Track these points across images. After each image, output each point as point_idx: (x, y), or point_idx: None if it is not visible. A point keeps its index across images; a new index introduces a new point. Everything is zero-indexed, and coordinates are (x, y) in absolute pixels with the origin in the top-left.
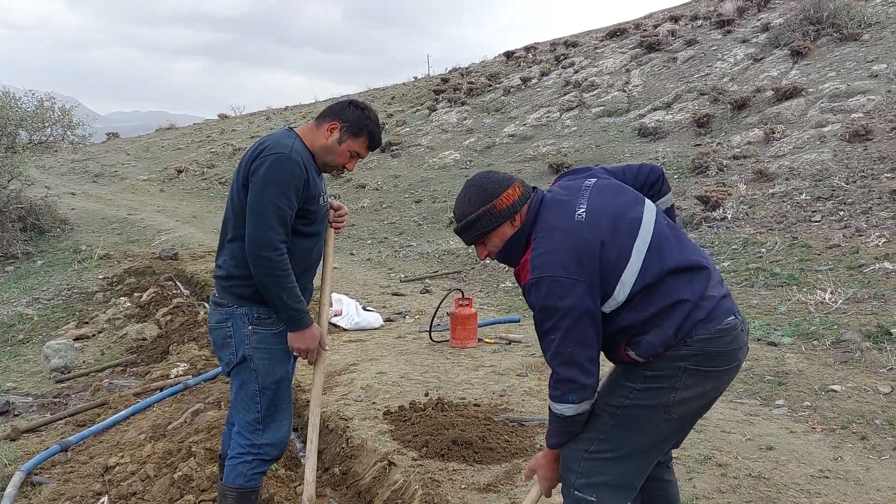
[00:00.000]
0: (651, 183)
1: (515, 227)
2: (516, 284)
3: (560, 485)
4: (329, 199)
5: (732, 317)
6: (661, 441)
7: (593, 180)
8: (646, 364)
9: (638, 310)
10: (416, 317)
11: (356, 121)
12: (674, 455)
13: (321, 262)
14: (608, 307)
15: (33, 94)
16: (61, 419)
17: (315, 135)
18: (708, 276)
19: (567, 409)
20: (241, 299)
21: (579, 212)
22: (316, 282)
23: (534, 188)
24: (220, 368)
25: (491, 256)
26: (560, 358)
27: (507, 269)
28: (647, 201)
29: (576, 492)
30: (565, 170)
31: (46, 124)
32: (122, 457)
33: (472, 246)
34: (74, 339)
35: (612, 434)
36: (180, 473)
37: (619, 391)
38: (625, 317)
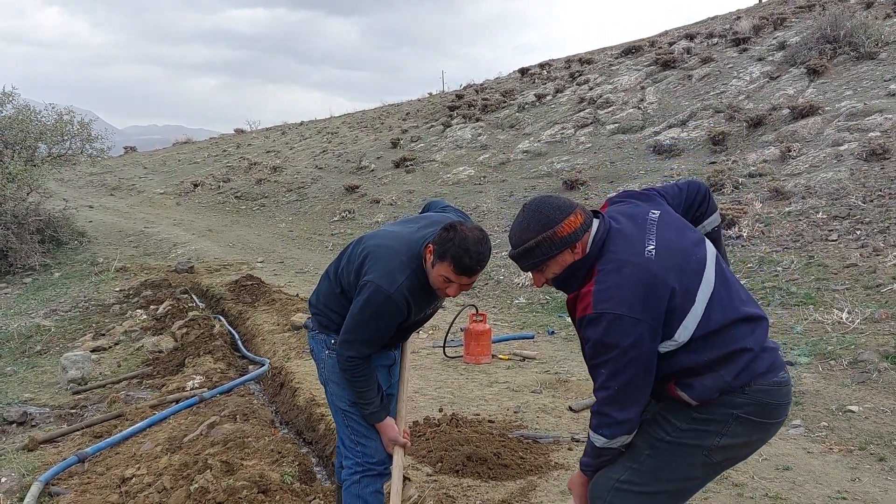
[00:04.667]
0: (700, 202)
1: (576, 255)
2: (530, 301)
3: None
4: None
5: (785, 372)
6: (694, 484)
7: (658, 212)
8: (697, 406)
9: (697, 353)
10: (430, 332)
11: (441, 243)
12: None
13: (402, 353)
14: (665, 347)
15: (53, 108)
16: (78, 430)
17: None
18: (766, 328)
19: (598, 440)
20: (322, 327)
21: (649, 248)
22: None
23: (595, 213)
24: (235, 381)
25: (548, 283)
26: (605, 392)
27: (520, 285)
28: (708, 243)
29: None
30: (614, 194)
31: (65, 138)
32: (139, 468)
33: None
34: (91, 351)
35: (645, 466)
36: (196, 486)
37: (662, 425)
38: (682, 358)
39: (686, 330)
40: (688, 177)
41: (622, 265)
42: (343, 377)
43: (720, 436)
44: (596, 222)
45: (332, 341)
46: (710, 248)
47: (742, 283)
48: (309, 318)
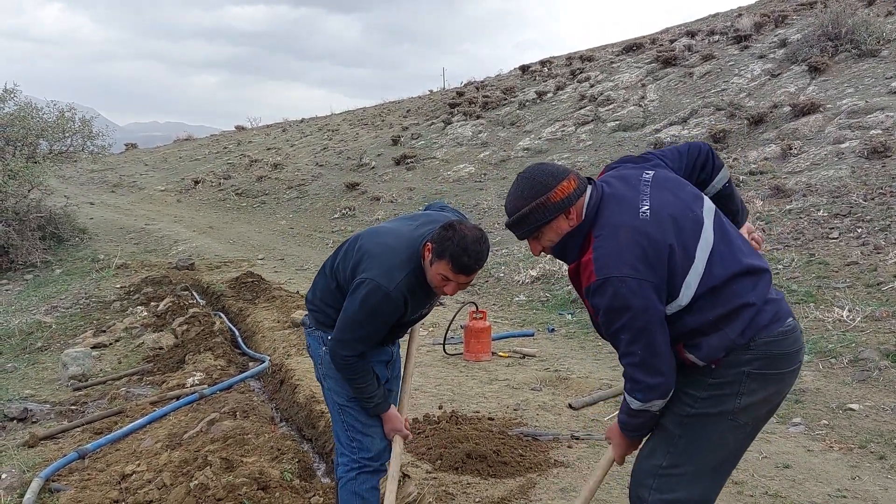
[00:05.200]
0: (702, 164)
1: (571, 222)
2: (530, 298)
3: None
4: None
5: (791, 318)
6: (731, 453)
7: (651, 173)
8: (708, 371)
9: (701, 312)
10: (430, 329)
11: (440, 241)
12: None
13: (408, 347)
14: (670, 309)
15: (54, 105)
16: (79, 427)
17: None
18: (769, 280)
19: (633, 403)
20: (319, 324)
21: (643, 209)
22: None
23: (589, 179)
24: (235, 378)
25: (546, 251)
26: (631, 359)
27: (520, 283)
28: (706, 200)
29: None
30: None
31: (67, 134)
32: (139, 465)
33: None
34: (92, 348)
35: (680, 446)
36: (196, 482)
37: (683, 399)
38: (687, 320)
39: (689, 288)
40: None
41: (618, 229)
42: (341, 376)
43: (739, 396)
44: (590, 188)
45: (329, 338)
46: (709, 205)
47: None
48: (306, 314)
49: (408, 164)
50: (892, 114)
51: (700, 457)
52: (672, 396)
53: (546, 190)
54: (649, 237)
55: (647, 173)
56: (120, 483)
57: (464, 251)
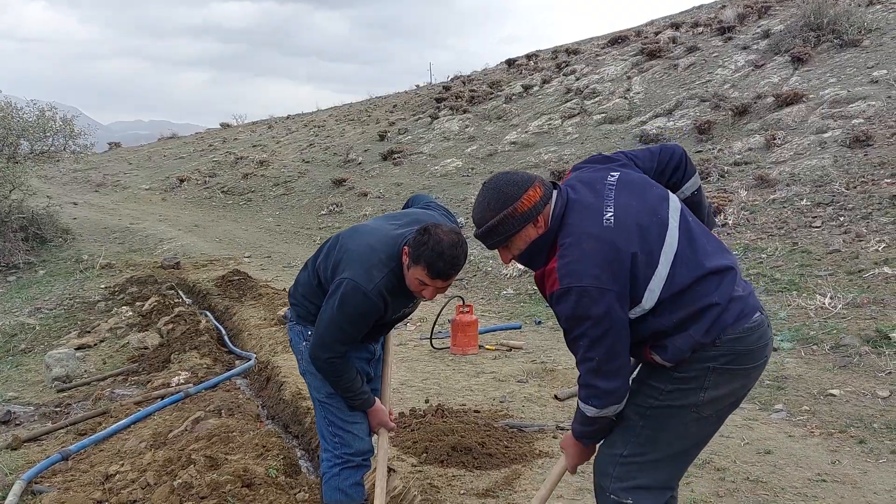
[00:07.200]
0: (673, 167)
1: (539, 230)
2: (517, 291)
3: (596, 468)
4: None
5: (758, 313)
6: (693, 443)
7: (616, 175)
8: (674, 366)
9: (665, 315)
10: (418, 324)
11: (416, 246)
12: None
13: (385, 340)
14: (634, 314)
15: (35, 104)
16: (62, 428)
17: None
18: (734, 277)
19: (589, 411)
20: (299, 318)
21: (607, 216)
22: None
23: (554, 185)
24: (220, 377)
25: (514, 259)
26: (588, 364)
27: (508, 276)
28: (672, 199)
29: (612, 496)
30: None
31: (48, 134)
32: (123, 465)
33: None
34: (76, 349)
35: (643, 436)
36: (180, 481)
37: (647, 392)
38: (651, 322)
39: (652, 293)
40: None
41: (582, 237)
42: (330, 381)
43: (703, 390)
44: (555, 194)
45: (310, 332)
46: (675, 205)
47: None
48: (288, 308)
49: (395, 159)
50: (873, 103)
51: (662, 446)
52: (636, 388)
53: (513, 200)
54: (612, 245)
55: (613, 175)
56: (104, 483)
57: (439, 257)
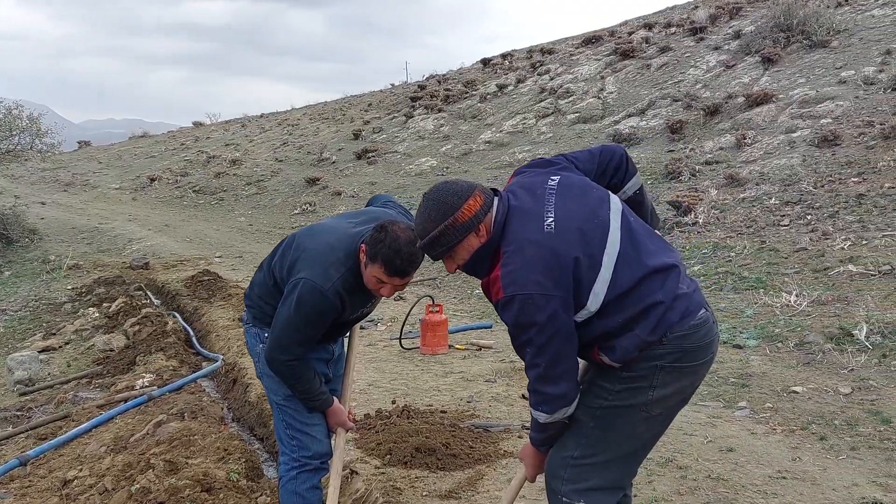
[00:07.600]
0: (614, 168)
1: (482, 238)
2: None
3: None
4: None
5: (703, 310)
6: (643, 442)
7: (557, 178)
8: (622, 366)
9: (611, 316)
10: (389, 324)
11: (372, 244)
12: None
13: (348, 340)
14: (580, 317)
15: (1, 103)
16: (22, 433)
17: None
18: (678, 275)
19: (540, 417)
20: (255, 320)
21: (548, 222)
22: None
23: (495, 191)
24: (185, 379)
25: (459, 269)
26: (535, 371)
27: None
28: (613, 199)
29: (563, 498)
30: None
31: (13, 133)
32: (81, 470)
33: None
34: (40, 351)
35: (593, 437)
36: (138, 486)
37: (597, 392)
38: (598, 324)
39: (597, 296)
40: (647, 165)
41: (523, 244)
42: (288, 383)
43: (652, 389)
44: (496, 201)
45: (266, 335)
46: (616, 206)
47: (695, 269)
48: (245, 311)
49: (369, 158)
50: (841, 103)
51: (612, 447)
52: (585, 389)
53: (452, 210)
54: (554, 252)
55: (553, 179)
56: (61, 489)
57: (396, 254)
